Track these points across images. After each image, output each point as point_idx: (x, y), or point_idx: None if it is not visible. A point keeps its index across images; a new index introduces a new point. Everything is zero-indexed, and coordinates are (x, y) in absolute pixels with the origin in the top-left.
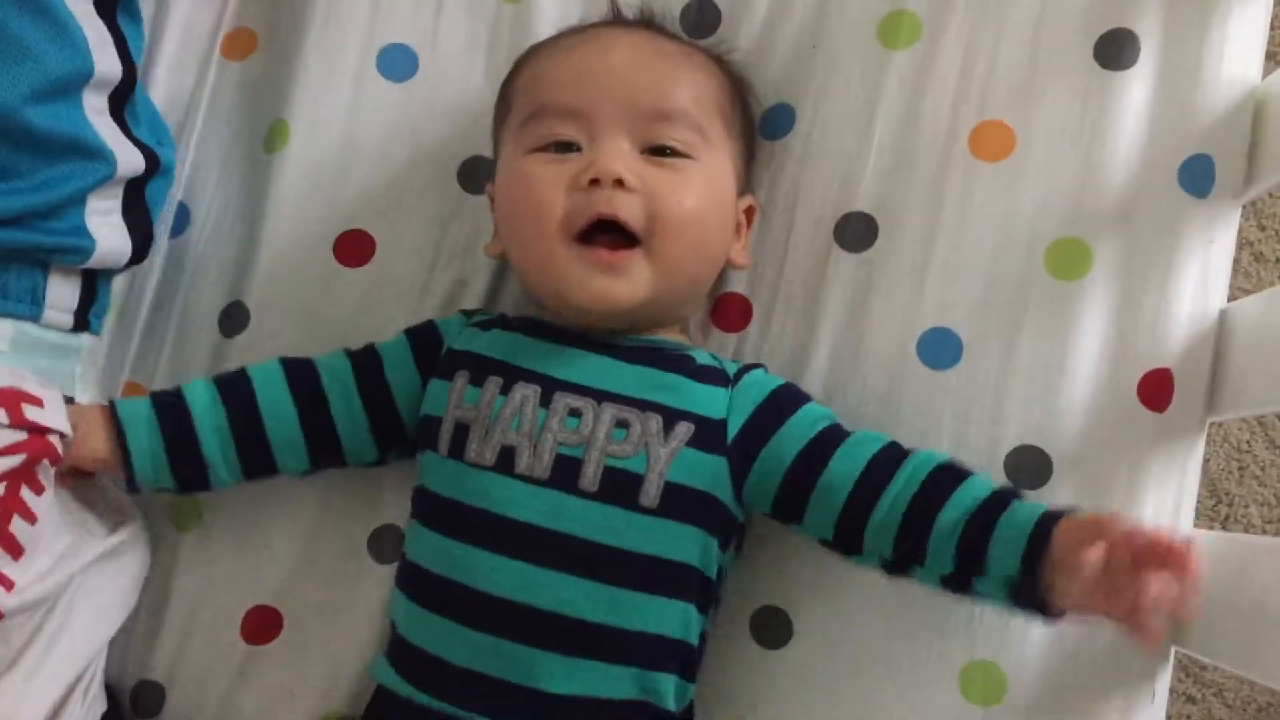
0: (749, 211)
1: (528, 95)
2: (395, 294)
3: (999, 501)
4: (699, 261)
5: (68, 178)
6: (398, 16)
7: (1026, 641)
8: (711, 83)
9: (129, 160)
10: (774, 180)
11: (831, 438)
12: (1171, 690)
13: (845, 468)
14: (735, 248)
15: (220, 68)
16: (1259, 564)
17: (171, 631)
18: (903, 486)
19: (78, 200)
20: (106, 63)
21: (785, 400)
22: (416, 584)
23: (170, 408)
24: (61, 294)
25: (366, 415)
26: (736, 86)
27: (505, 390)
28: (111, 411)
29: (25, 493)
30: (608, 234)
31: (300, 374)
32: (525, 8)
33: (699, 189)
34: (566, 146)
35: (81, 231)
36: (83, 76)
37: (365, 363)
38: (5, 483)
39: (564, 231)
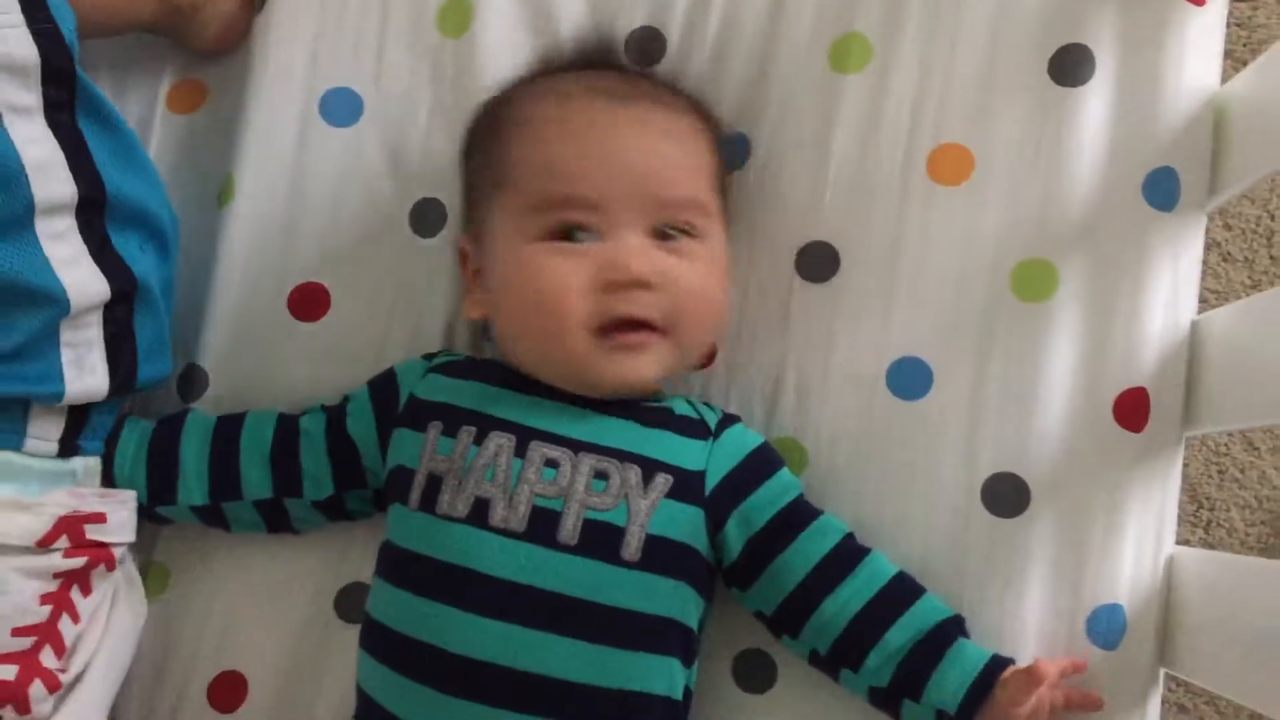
0: None
1: (537, 181)
2: (355, 345)
3: (948, 634)
4: (713, 334)
5: (15, 323)
6: (339, 58)
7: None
8: (707, 152)
9: (88, 291)
10: (732, 212)
11: (797, 516)
12: (1163, 700)
13: (803, 554)
14: None
15: (165, 121)
16: (1246, 584)
17: (138, 700)
18: (855, 592)
19: (44, 339)
20: (55, 185)
21: (760, 464)
22: (386, 646)
23: (167, 419)
24: (44, 426)
25: (330, 462)
26: (720, 144)
27: (479, 440)
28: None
29: (74, 593)
30: (629, 320)
31: (284, 421)
32: (467, 43)
33: (710, 269)
34: (571, 233)
35: (50, 377)
36: (22, 209)
37: (335, 414)
38: (60, 580)
39: (590, 327)
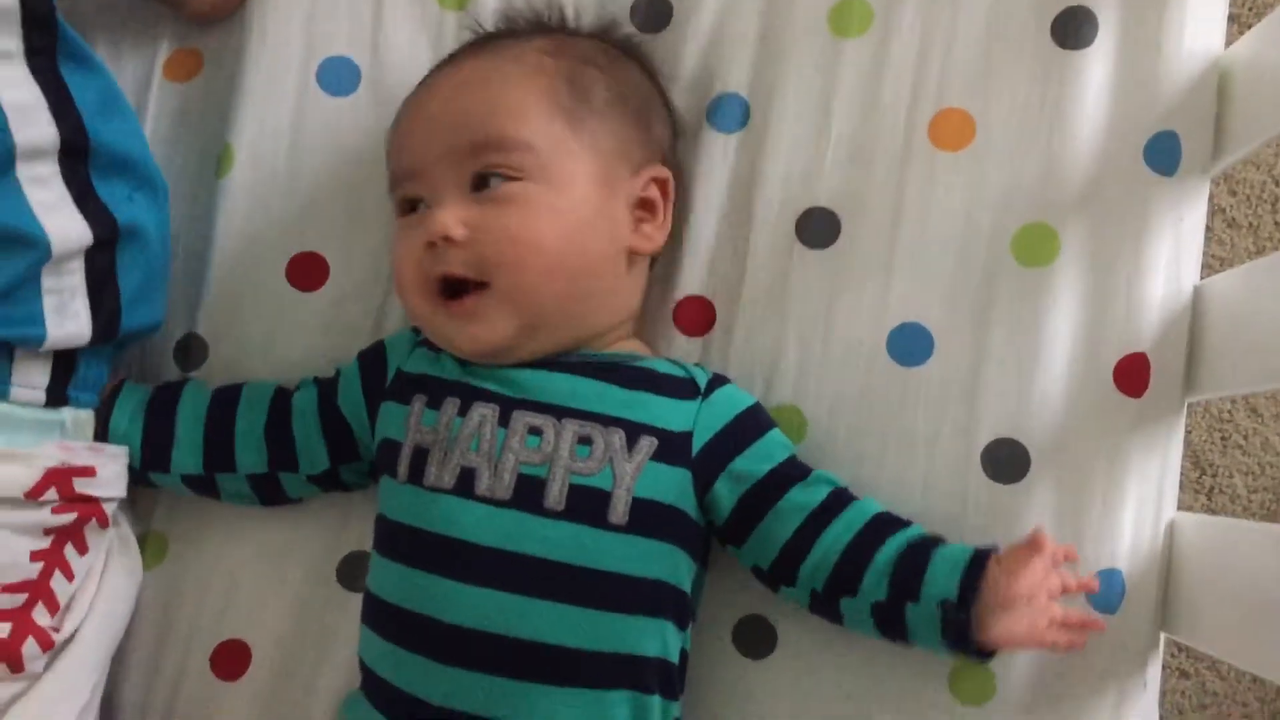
0: (662, 184)
1: (389, 163)
2: (352, 315)
3: (935, 539)
4: (560, 278)
5: (2, 263)
6: (335, 28)
7: None
8: (538, 82)
9: (69, 237)
10: (731, 176)
11: (789, 471)
12: (1164, 665)
13: (796, 505)
14: (638, 234)
15: (162, 89)
16: (1247, 549)
17: (140, 669)
18: (844, 527)
19: (25, 284)
20: (34, 130)
21: (750, 424)
22: (383, 619)
23: (165, 386)
24: (29, 373)
25: (323, 436)
26: (582, 64)
27: (463, 411)
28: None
29: (69, 550)
30: (464, 284)
31: (279, 394)
32: (469, 15)
33: (533, 208)
34: (415, 205)
35: (32, 319)
36: (2, 155)
37: (326, 389)
38: (52, 537)
39: (427, 292)
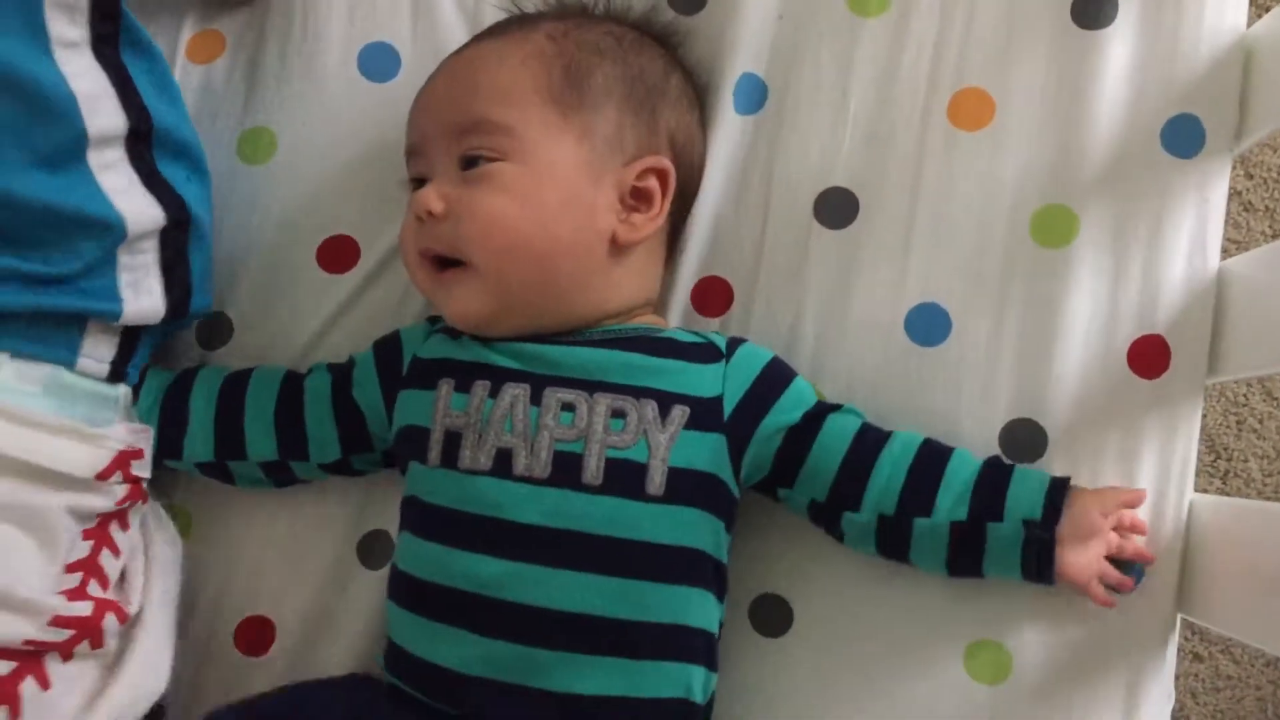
0: (661, 175)
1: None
2: (380, 298)
3: (1005, 463)
4: (525, 260)
5: (78, 249)
6: (376, 14)
7: (1030, 618)
8: (531, 67)
9: (143, 218)
10: (749, 157)
11: (823, 409)
12: (1179, 649)
13: (836, 433)
14: (626, 223)
15: (184, 70)
16: (1264, 531)
17: None
18: (901, 449)
19: (103, 263)
20: (104, 117)
21: (776, 374)
22: (417, 595)
23: (183, 374)
24: (98, 346)
25: (336, 427)
26: (584, 51)
27: (494, 393)
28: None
29: (114, 529)
30: (435, 256)
31: (290, 381)
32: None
33: (505, 190)
34: (421, 182)
35: (110, 294)
36: (75, 140)
37: (340, 377)
38: (98, 520)
39: (422, 263)
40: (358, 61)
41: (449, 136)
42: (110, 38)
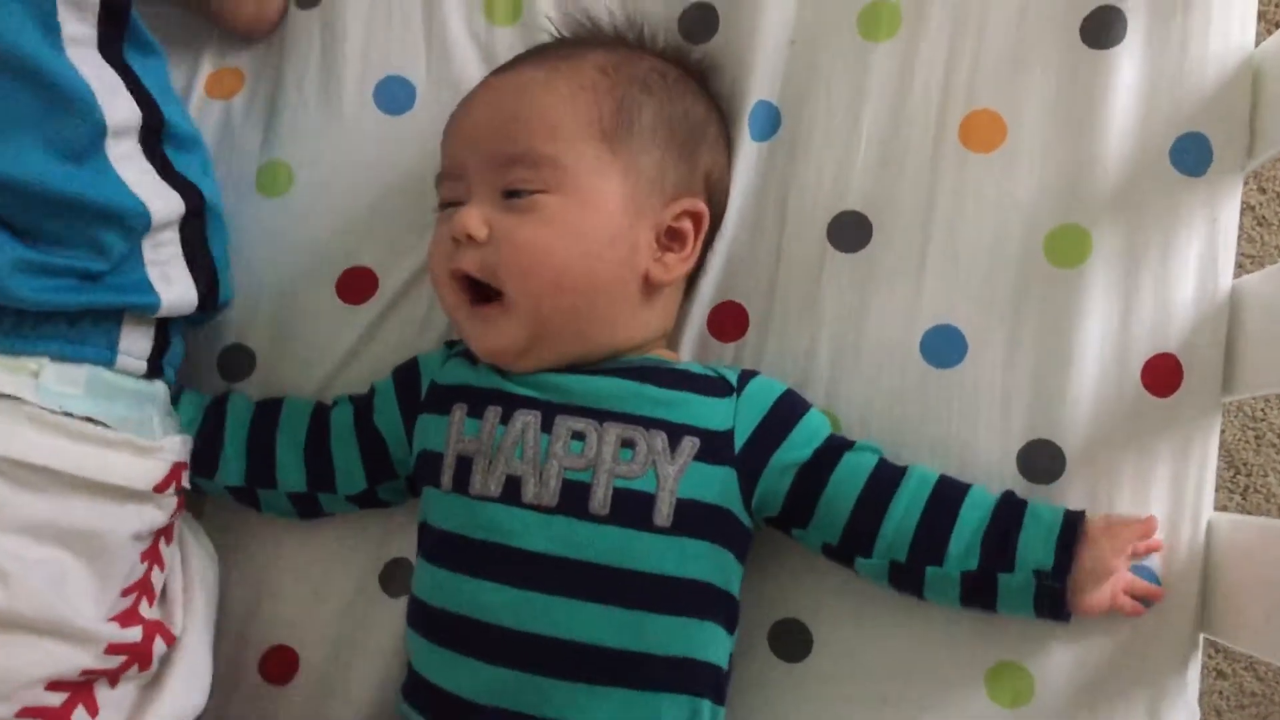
0: (695, 217)
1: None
2: (398, 328)
3: (1017, 500)
4: (565, 294)
5: (107, 245)
6: (391, 49)
7: (1052, 640)
8: (583, 100)
9: (164, 206)
10: (763, 182)
11: (837, 446)
12: (1202, 666)
13: (850, 473)
14: (659, 263)
15: (204, 105)
16: None
17: None
18: (913, 494)
19: (131, 255)
20: (121, 109)
21: (789, 409)
22: (433, 624)
23: (220, 397)
24: (134, 341)
25: (360, 457)
26: (634, 87)
27: (505, 419)
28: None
29: (162, 543)
30: (483, 287)
31: (318, 413)
32: (520, 30)
33: (550, 222)
34: (455, 205)
35: (144, 287)
36: (95, 132)
37: (362, 406)
38: (152, 538)
39: (454, 287)
40: (373, 95)
41: (493, 166)
42: (115, 38)
